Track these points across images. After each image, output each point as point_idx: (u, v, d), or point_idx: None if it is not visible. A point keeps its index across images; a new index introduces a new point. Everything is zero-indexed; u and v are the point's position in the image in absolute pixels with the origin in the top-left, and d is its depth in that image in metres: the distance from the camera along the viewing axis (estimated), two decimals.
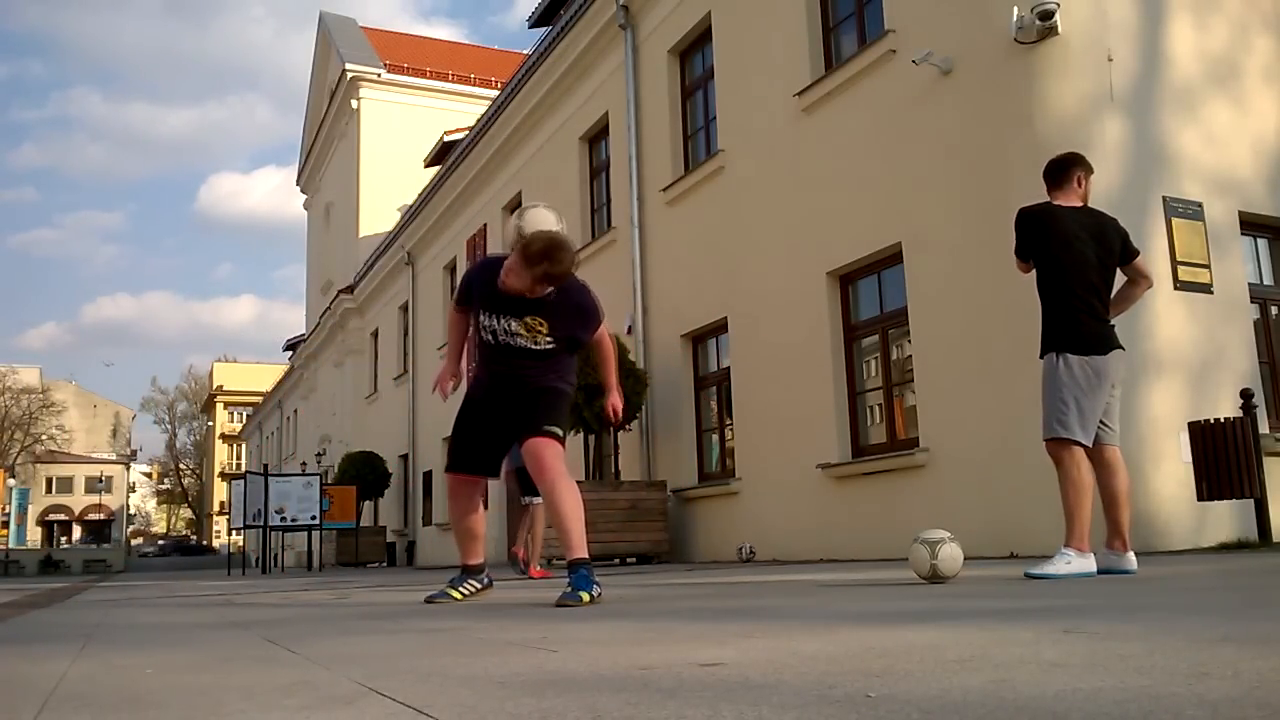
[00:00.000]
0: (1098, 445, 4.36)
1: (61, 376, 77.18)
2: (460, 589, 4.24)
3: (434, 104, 28.65)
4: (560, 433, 3.97)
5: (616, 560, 10.86)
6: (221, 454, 74.30)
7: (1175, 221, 7.13)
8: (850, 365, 9.20)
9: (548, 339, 3.92)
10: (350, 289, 27.26)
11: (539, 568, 8.38)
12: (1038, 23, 7.10)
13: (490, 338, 3.97)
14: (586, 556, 3.78)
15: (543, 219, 4.03)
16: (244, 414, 65.53)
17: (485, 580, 4.38)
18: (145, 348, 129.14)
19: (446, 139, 22.77)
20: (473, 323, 4.08)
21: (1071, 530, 4.19)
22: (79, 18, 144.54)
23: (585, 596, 3.62)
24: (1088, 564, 4.17)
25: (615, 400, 4.35)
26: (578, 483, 4.17)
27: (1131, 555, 4.33)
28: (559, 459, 3.90)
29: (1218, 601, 3.00)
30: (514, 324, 3.91)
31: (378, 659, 2.18)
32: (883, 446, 8.79)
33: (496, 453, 4.28)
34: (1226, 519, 6.66)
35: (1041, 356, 4.38)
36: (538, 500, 7.99)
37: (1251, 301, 7.66)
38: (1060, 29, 7.11)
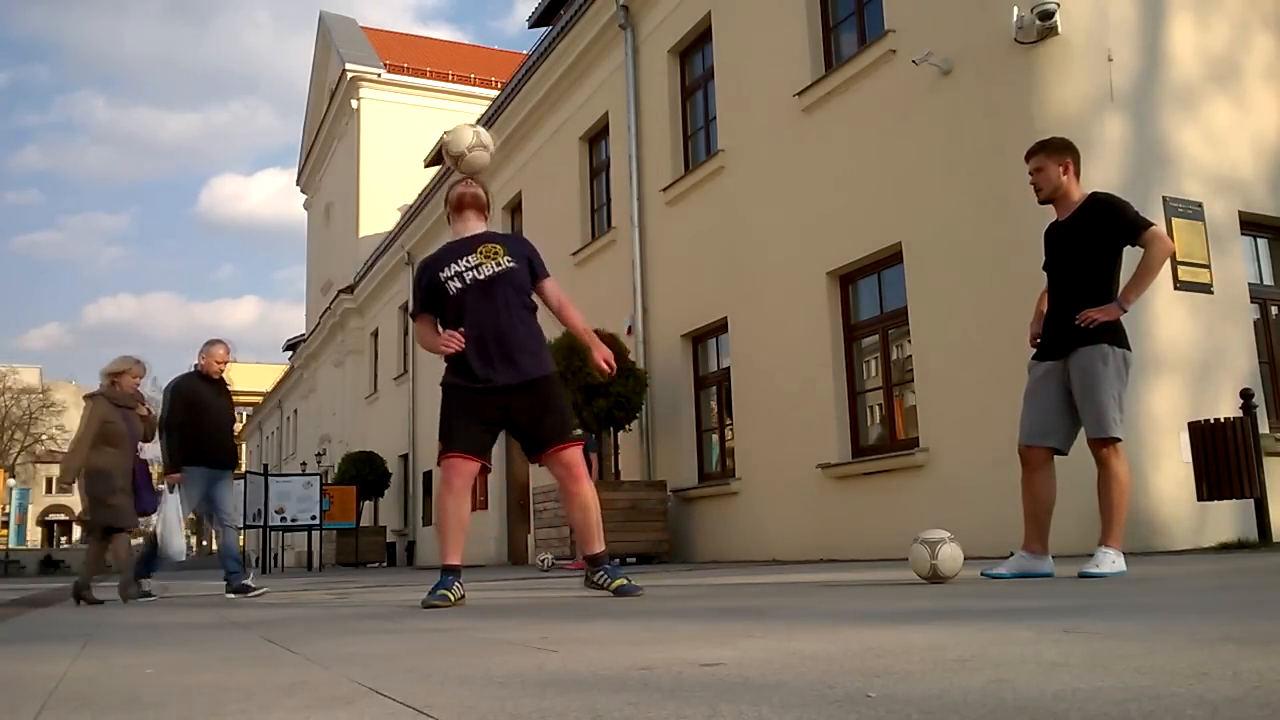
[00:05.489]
0: (1053, 450, 4.34)
1: (62, 377, 77.17)
2: (452, 591, 4.03)
3: (434, 104, 28.60)
4: (580, 431, 4.24)
5: (616, 560, 10.85)
6: None
7: (1175, 221, 7.13)
8: (850, 365, 9.20)
9: (508, 259, 4.14)
10: (350, 289, 27.23)
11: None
12: (1038, 22, 7.10)
13: (459, 283, 4.09)
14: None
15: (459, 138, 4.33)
16: (244, 414, 65.38)
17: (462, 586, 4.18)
18: (146, 348, 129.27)
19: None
20: (439, 313, 4.21)
21: (1113, 529, 4.14)
22: (82, 23, 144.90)
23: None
24: (1122, 562, 4.16)
25: (604, 352, 4.38)
26: None
27: (1050, 558, 4.34)
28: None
29: (1218, 601, 2.99)
30: (472, 258, 4.11)
31: (378, 659, 2.18)
32: (883, 446, 8.78)
33: (493, 436, 4.21)
34: (1226, 519, 6.66)
35: (1078, 347, 4.19)
36: None
37: (1251, 301, 7.66)
38: (1060, 29, 7.11)
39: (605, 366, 4.36)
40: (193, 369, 7.01)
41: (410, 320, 4.36)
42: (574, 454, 4.22)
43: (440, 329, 4.19)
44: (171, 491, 6.60)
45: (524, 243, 4.42)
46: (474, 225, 4.29)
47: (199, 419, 6.71)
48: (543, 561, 10.58)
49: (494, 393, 4.08)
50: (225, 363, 6.95)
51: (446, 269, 4.14)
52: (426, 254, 4.35)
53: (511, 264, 4.16)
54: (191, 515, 7.01)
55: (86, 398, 6.72)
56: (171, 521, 6.57)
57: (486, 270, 4.11)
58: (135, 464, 6.59)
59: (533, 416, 4.14)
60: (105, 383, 6.65)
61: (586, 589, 4.36)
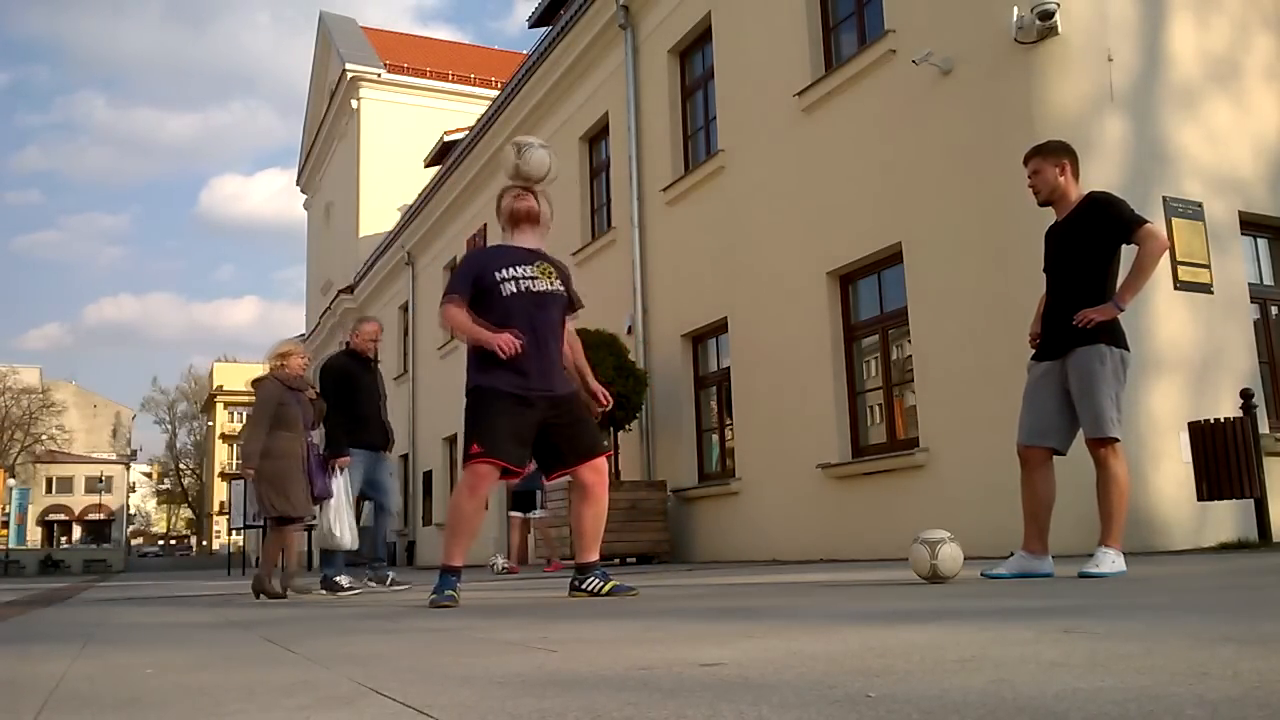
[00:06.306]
0: (1052, 450, 4.34)
1: (62, 377, 77.25)
2: (457, 590, 4.11)
3: (434, 104, 28.60)
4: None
5: (616, 561, 10.85)
6: (221, 454, 74.19)
7: (1175, 221, 7.13)
8: (850, 365, 9.20)
9: (558, 282, 4.25)
10: (350, 289, 27.23)
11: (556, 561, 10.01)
12: (1038, 22, 7.10)
13: (514, 287, 4.11)
14: None
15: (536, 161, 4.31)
16: (244, 414, 65.44)
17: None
18: (146, 348, 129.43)
19: (446, 139, 22.75)
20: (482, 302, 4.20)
21: (1113, 529, 4.14)
22: (81, 23, 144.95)
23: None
24: (1122, 562, 4.16)
25: (598, 387, 4.42)
26: None
27: (1050, 558, 4.33)
28: None
29: (1218, 601, 2.99)
30: (529, 269, 4.17)
31: (378, 659, 2.18)
32: (883, 446, 8.78)
33: (527, 446, 4.20)
34: (1226, 519, 6.66)
35: (1075, 347, 4.20)
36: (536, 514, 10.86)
37: (1251, 301, 7.66)
38: (1060, 29, 7.11)
39: (603, 398, 4.39)
40: (342, 347, 6.74)
41: (442, 302, 4.28)
42: (605, 462, 4.37)
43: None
44: (340, 475, 6.27)
45: (568, 274, 4.45)
46: (530, 239, 4.33)
47: (353, 398, 6.40)
48: (494, 565, 10.62)
49: (536, 403, 4.11)
50: (377, 340, 6.65)
51: (502, 270, 4.15)
52: (482, 248, 4.44)
53: (560, 288, 4.26)
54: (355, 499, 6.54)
55: (253, 382, 6.36)
56: (342, 510, 6.20)
57: (541, 285, 4.17)
58: (307, 448, 6.24)
59: (573, 428, 4.21)
60: (275, 364, 6.29)
61: (572, 596, 4.34)
